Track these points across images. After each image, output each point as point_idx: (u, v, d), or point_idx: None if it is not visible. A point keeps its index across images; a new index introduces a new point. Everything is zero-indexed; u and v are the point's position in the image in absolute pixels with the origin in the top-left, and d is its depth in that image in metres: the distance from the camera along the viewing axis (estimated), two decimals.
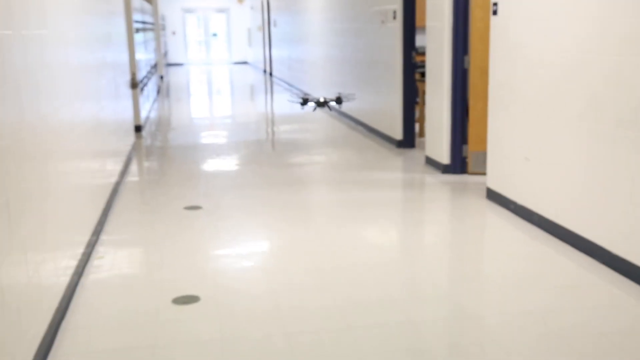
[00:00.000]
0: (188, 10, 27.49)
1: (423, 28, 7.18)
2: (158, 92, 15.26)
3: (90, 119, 5.00)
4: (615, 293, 3.66)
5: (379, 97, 8.69)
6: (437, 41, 6.53)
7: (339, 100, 2.71)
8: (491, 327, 3.35)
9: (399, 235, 4.93)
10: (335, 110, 2.82)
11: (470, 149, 6.39)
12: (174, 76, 21.49)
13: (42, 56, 3.42)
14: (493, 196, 5.50)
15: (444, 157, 6.58)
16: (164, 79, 19.51)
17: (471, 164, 6.43)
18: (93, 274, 4.06)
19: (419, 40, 7.98)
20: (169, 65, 25.32)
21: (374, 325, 3.32)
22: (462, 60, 6.30)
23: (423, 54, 7.85)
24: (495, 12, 5.34)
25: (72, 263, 3.79)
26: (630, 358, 2.94)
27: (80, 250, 4.07)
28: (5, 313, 2.48)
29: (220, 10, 27.66)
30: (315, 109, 2.71)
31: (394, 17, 7.90)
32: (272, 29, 19.15)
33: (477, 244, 4.86)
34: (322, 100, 2.71)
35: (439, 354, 3.09)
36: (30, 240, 2.89)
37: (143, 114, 9.92)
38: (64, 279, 3.57)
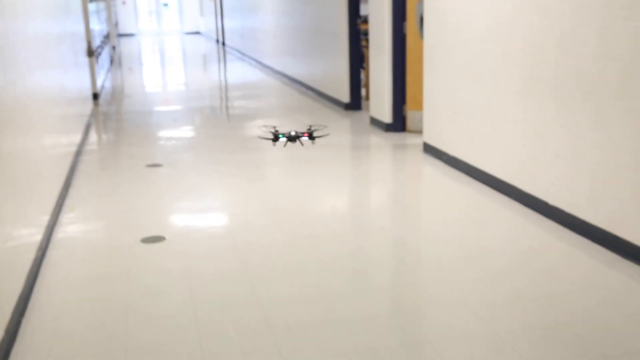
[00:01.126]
0: None
1: None
2: (111, 62, 15.40)
3: (55, 86, 5.36)
4: (545, 238, 4.29)
5: (327, 63, 9.17)
6: (379, 8, 7.03)
7: (311, 136, 2.95)
8: (425, 252, 3.95)
9: (345, 183, 5.48)
10: (307, 144, 3.12)
11: (408, 109, 6.96)
12: (126, 47, 21.49)
13: (13, 26, 3.80)
14: (429, 149, 6.09)
15: (387, 117, 7.14)
16: (116, 49, 19.53)
17: (409, 122, 7.00)
18: (66, 224, 4.49)
19: (364, 9, 8.47)
20: (120, 35, 25.19)
21: (321, 255, 3.87)
22: (401, 26, 6.83)
23: (366, 22, 8.33)
24: None
25: (45, 217, 4.20)
26: (538, 274, 3.56)
27: (51, 205, 4.48)
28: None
29: None
30: (286, 144, 2.95)
31: None
32: None
33: (414, 189, 5.46)
34: (293, 134, 2.96)
35: (379, 275, 3.66)
36: (7, 198, 3.33)
37: (99, 82, 10.19)
38: (40, 230, 4.01)
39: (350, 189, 5.42)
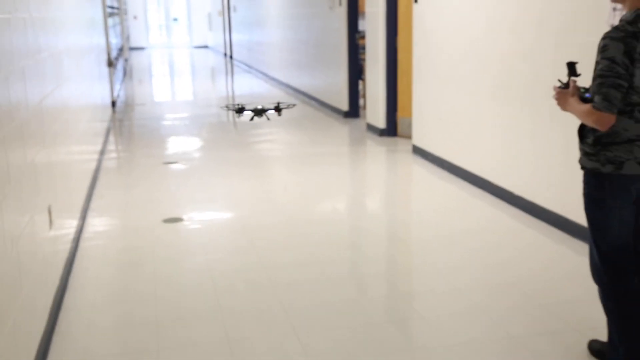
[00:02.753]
0: None
1: (364, 13, 8.38)
2: (124, 74, 16.16)
3: (85, 93, 6.07)
4: (510, 223, 4.95)
5: (328, 74, 9.89)
6: (374, 24, 7.74)
7: (277, 109, 3.22)
8: (418, 245, 4.63)
9: (342, 178, 6.16)
10: (274, 118, 3.38)
11: (399, 116, 7.65)
12: (137, 59, 22.29)
13: (59, 39, 4.51)
14: (417, 151, 6.77)
15: (381, 123, 7.83)
16: (128, 62, 20.33)
17: (400, 128, 7.69)
18: (95, 210, 5.18)
19: (362, 25, 9.18)
20: (132, 49, 26.04)
21: (317, 232, 4.54)
22: (393, 40, 7.53)
23: (364, 37, 9.05)
24: (416, 1, 6.57)
25: (79, 204, 4.88)
26: (498, 247, 4.23)
27: (84, 194, 5.16)
28: (55, 228, 3.60)
29: None
30: (252, 118, 3.16)
31: (340, 4, 9.09)
32: (232, 13, 20.11)
33: (403, 183, 6.16)
34: (259, 107, 3.20)
35: (368, 247, 4.33)
36: (53, 190, 4.02)
37: (115, 92, 10.92)
38: (77, 214, 4.70)
39: (347, 182, 6.09)
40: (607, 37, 2.35)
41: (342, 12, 9.06)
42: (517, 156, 4.90)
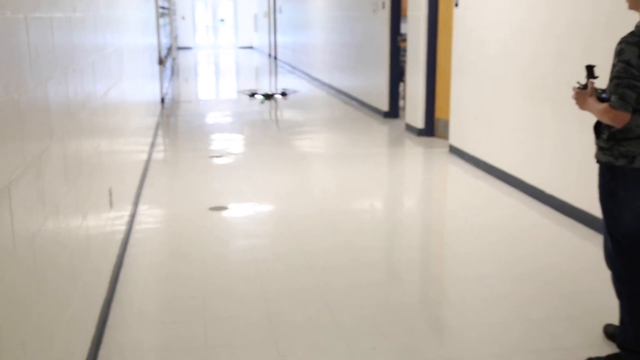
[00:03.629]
0: None
1: (406, 17, 8.61)
2: (172, 72, 16.69)
3: (141, 89, 6.46)
4: (538, 218, 5.14)
5: (370, 75, 10.14)
6: (416, 27, 7.97)
7: (283, 94, 3.84)
8: (449, 236, 4.86)
9: (380, 175, 6.41)
10: (280, 101, 3.87)
11: (437, 117, 7.86)
12: (184, 59, 22.88)
13: (122, 37, 4.88)
14: (454, 150, 6.97)
15: (419, 123, 8.05)
16: (175, 61, 20.92)
17: (437, 128, 7.90)
18: (147, 197, 5.54)
19: (404, 28, 9.41)
20: (179, 48, 26.70)
21: (354, 222, 4.81)
22: (434, 43, 7.75)
23: (406, 40, 9.27)
24: (457, 5, 6.79)
25: (132, 191, 5.25)
26: (525, 240, 4.43)
27: (137, 182, 5.54)
28: (116, 204, 3.95)
29: None
30: (262, 101, 3.72)
31: (383, 7, 9.34)
32: (278, 15, 20.52)
33: (439, 181, 6.38)
34: (270, 93, 3.79)
35: (403, 236, 4.59)
36: (110, 177, 4.38)
37: (164, 89, 11.38)
38: (130, 200, 5.06)
39: (384, 179, 6.34)
40: (623, 41, 2.56)
41: (384, 15, 9.31)
42: (548, 155, 5.08)
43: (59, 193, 2.35)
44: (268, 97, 3.88)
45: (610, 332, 3.01)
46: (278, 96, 4.00)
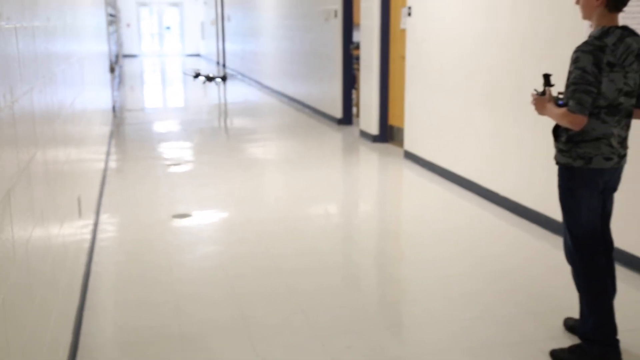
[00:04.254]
0: (142, 4, 28.50)
1: (358, 25, 8.78)
2: (119, 80, 16.48)
3: (97, 99, 6.41)
4: (494, 220, 5.35)
5: (323, 83, 10.29)
6: (369, 36, 8.15)
7: (224, 78, 4.30)
8: (412, 239, 5.01)
9: (337, 180, 6.53)
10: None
11: (391, 123, 8.05)
12: (130, 67, 22.59)
13: (82, 47, 4.85)
14: (409, 155, 7.16)
15: (374, 129, 8.22)
16: (122, 69, 20.63)
17: (391, 134, 8.09)
18: (108, 206, 5.51)
19: (356, 37, 9.59)
20: (124, 56, 26.33)
21: (314, 226, 4.91)
22: (386, 51, 7.94)
23: (358, 48, 9.45)
24: (409, 14, 6.99)
25: (94, 201, 5.22)
26: (484, 242, 4.61)
27: (97, 190, 5.50)
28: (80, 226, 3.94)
29: (174, 5, 28.78)
30: (204, 82, 4.21)
31: (335, 16, 9.50)
32: (226, 23, 20.50)
33: (395, 185, 6.54)
34: (210, 75, 4.29)
35: (362, 240, 4.70)
36: (75, 189, 4.36)
37: (114, 97, 11.25)
38: (92, 206, 5.03)
39: (341, 184, 6.46)
40: (578, 50, 2.75)
41: (337, 23, 9.47)
42: (503, 159, 5.31)
43: (44, 200, 2.37)
44: (210, 79, 4.46)
45: (570, 325, 3.19)
46: (218, 80, 4.60)
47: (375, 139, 8.22)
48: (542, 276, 3.96)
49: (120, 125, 9.99)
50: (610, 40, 2.71)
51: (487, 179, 5.55)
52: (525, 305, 3.54)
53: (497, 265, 4.12)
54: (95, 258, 4.23)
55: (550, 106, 2.88)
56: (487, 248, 4.48)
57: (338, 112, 9.69)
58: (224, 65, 21.24)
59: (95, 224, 4.83)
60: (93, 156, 5.36)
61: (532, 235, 4.70)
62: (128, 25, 27.78)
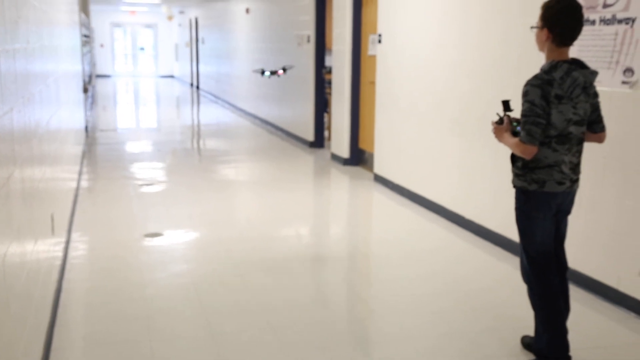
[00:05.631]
0: (116, 25, 28.53)
1: (331, 50, 8.98)
2: (92, 100, 16.46)
3: (71, 118, 6.47)
4: (459, 242, 5.50)
5: (295, 106, 10.45)
6: (340, 61, 8.34)
7: (284, 69, 6.02)
8: (368, 249, 5.14)
9: (308, 202, 6.65)
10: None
11: (361, 147, 8.23)
12: (103, 87, 22.56)
13: (58, 67, 4.93)
14: (378, 179, 7.32)
15: (345, 153, 8.38)
16: (95, 89, 20.59)
17: (362, 159, 8.26)
18: (80, 224, 5.55)
19: (328, 61, 9.80)
20: (98, 76, 26.27)
21: (287, 246, 5.01)
22: (358, 77, 8.14)
23: (330, 72, 9.65)
24: (380, 41, 7.20)
25: (65, 219, 5.27)
26: (451, 264, 4.76)
27: (69, 208, 5.54)
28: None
29: (148, 26, 28.85)
30: (270, 76, 5.97)
31: (308, 41, 9.69)
32: (200, 45, 20.64)
33: (365, 208, 6.68)
34: (274, 70, 6.13)
35: (335, 260, 4.82)
36: (49, 207, 4.42)
37: (86, 117, 11.26)
38: (65, 225, 5.07)
39: (312, 205, 6.59)
40: (528, 84, 2.93)
41: (310, 48, 9.66)
42: (469, 184, 5.49)
43: (21, 217, 2.45)
44: (273, 72, 6.30)
45: (526, 342, 3.33)
46: (280, 71, 6.25)
47: (346, 162, 8.37)
48: (507, 297, 4.11)
49: (93, 145, 10.02)
50: (557, 74, 2.89)
51: (455, 203, 5.72)
52: (484, 321, 3.68)
53: (464, 286, 4.26)
54: (67, 275, 4.27)
55: (507, 135, 3.05)
56: (454, 270, 4.62)
57: (310, 135, 9.85)
58: (197, 87, 21.34)
59: (67, 242, 4.87)
60: (66, 175, 5.41)
61: (496, 257, 4.87)
62: (102, 45, 27.74)
